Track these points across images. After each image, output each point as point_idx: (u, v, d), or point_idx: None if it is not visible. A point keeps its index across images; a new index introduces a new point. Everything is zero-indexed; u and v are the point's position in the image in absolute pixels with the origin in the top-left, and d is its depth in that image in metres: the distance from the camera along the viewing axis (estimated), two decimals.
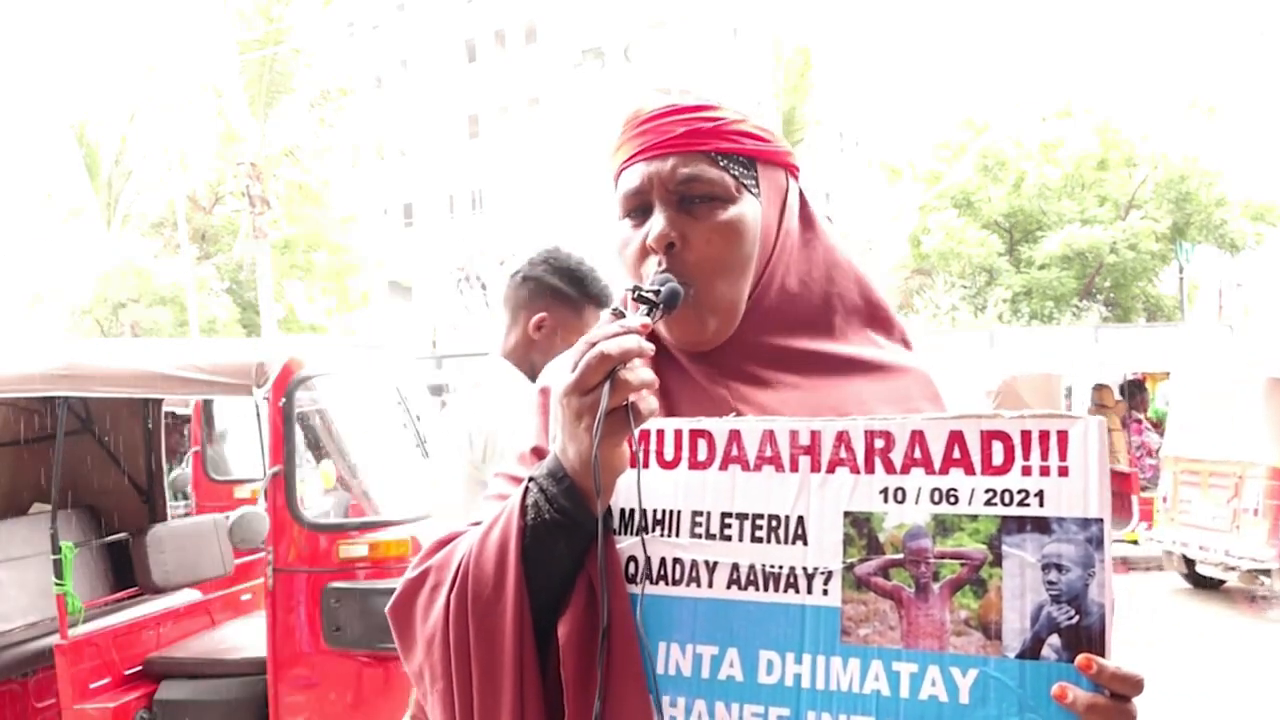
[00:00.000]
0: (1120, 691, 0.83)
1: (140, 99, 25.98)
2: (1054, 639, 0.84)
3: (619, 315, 0.96)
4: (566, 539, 0.95)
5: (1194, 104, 28.49)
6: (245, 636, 4.28)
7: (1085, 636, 0.83)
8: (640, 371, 0.91)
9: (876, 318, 1.15)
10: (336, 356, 4.39)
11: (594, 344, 0.90)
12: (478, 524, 1.03)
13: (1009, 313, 27.47)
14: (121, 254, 24.84)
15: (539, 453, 1.10)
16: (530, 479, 0.98)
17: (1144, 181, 27.25)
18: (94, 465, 4.97)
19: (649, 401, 0.92)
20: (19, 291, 28.44)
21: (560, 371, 0.96)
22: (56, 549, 3.83)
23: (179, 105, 25.59)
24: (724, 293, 1.05)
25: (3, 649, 4.22)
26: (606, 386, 0.89)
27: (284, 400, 3.75)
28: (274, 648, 3.73)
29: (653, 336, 0.97)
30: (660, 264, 1.04)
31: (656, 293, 0.99)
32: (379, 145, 43.66)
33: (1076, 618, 0.84)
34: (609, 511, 0.97)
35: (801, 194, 1.14)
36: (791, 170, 1.13)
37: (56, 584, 3.83)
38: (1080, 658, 0.82)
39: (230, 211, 26.63)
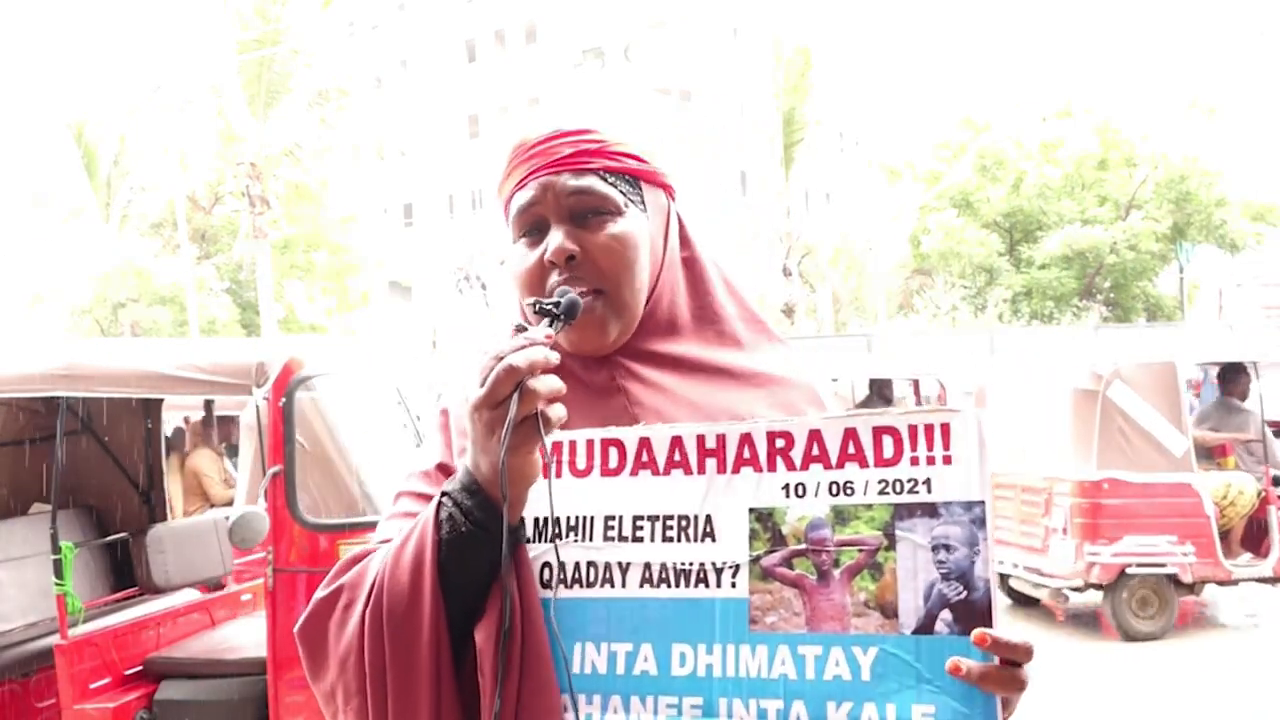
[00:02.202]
0: (1011, 659, 0.88)
1: (140, 99, 25.95)
2: (945, 614, 0.89)
3: (520, 330, 0.97)
4: (482, 551, 0.96)
5: (1194, 104, 28.51)
6: (245, 636, 4.28)
7: (973, 610, 0.88)
8: (548, 380, 0.93)
9: (756, 326, 1.22)
10: (336, 356, 4.39)
11: (500, 358, 0.92)
12: (388, 542, 1.04)
13: (1009, 313, 27.50)
14: (121, 254, 24.78)
15: (444, 469, 1.12)
16: (443, 493, 0.99)
17: (1144, 181, 27.26)
18: (94, 465, 4.97)
19: (558, 409, 0.94)
20: (19, 291, 28.42)
21: (460, 393, 0.99)
22: (56, 549, 3.83)
23: (179, 105, 25.57)
24: (627, 299, 1.10)
25: (3, 649, 4.22)
26: (515, 397, 0.91)
27: (284, 400, 3.75)
28: (274, 648, 3.72)
29: (554, 348, 0.99)
30: (560, 276, 1.07)
31: (557, 304, 1.02)
32: (379, 145, 43.67)
33: (965, 593, 0.89)
34: (521, 521, 1.00)
35: (680, 215, 1.21)
36: (669, 192, 1.19)
37: (56, 584, 3.83)
38: (975, 633, 0.87)
39: (230, 211, 26.59)
